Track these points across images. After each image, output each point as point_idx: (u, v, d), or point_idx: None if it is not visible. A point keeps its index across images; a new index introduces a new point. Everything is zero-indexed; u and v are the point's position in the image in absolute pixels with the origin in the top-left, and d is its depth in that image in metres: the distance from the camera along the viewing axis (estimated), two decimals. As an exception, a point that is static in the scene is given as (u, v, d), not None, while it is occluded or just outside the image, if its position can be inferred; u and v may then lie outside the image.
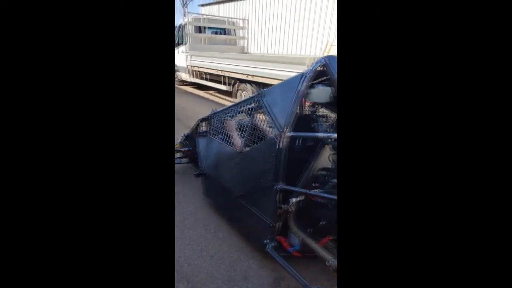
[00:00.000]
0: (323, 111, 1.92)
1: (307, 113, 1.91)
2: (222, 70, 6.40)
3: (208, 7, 12.65)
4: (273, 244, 1.54)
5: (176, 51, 8.08)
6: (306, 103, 1.88)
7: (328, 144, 1.54)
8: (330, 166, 1.55)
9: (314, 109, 1.91)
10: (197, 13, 7.87)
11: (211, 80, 7.10)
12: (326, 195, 1.32)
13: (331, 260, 1.26)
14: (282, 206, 1.45)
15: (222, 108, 2.16)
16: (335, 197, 1.26)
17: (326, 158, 1.60)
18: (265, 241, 1.56)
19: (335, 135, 1.35)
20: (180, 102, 6.23)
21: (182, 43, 7.86)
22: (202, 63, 7.07)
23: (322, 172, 1.56)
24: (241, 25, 8.46)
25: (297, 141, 1.77)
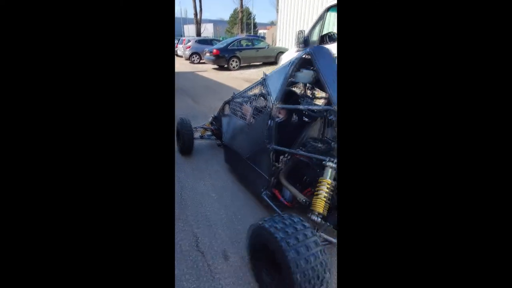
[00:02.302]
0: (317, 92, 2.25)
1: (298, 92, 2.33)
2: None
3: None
4: (268, 193, 1.95)
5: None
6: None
7: (316, 117, 2.04)
8: (316, 136, 2.07)
9: (303, 90, 2.32)
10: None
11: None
12: (306, 153, 1.72)
13: (304, 199, 1.65)
14: (275, 164, 1.89)
15: (240, 92, 2.66)
16: (313, 155, 1.65)
17: (315, 130, 2.10)
18: (262, 190, 1.98)
19: (315, 107, 1.86)
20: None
21: None
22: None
23: (309, 140, 1.97)
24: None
25: (294, 116, 2.34)
